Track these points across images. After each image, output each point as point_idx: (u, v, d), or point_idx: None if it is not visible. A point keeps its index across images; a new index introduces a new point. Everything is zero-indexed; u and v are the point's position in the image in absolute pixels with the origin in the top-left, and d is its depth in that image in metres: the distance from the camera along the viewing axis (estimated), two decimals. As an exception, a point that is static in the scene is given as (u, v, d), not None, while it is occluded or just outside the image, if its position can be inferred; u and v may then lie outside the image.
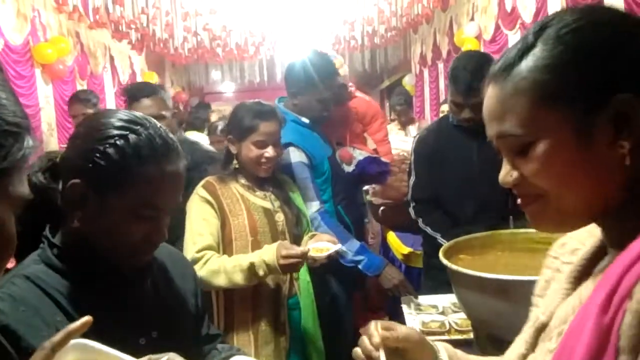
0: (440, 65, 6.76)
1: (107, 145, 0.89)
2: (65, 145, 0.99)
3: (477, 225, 1.84)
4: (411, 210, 2.29)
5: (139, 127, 0.92)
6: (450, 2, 6.26)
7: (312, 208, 2.08)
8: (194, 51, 6.76)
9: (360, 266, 2.06)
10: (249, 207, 1.85)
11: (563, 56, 0.58)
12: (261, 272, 1.70)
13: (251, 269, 1.70)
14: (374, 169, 2.61)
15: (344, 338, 2.15)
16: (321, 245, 1.76)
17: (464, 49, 6.04)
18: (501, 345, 1.21)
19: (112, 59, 6.63)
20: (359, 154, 2.62)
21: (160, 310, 1.01)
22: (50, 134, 5.11)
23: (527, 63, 0.60)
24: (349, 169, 2.58)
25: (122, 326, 0.88)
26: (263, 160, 1.84)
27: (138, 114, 0.96)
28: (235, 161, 1.92)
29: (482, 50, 5.79)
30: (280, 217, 1.89)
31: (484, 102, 0.66)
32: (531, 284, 1.11)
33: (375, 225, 4.31)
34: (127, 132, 0.90)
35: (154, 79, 7.34)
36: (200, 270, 1.68)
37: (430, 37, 7.12)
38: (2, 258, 0.52)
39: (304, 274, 1.93)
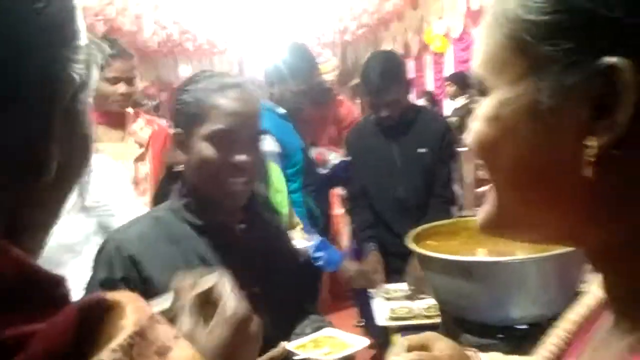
0: (411, 63, 6.84)
1: (184, 93, 1.08)
2: None
3: (398, 224, 1.97)
4: None
5: (207, 74, 1.10)
6: (420, 0, 6.36)
7: (277, 197, 2.08)
8: (163, 45, 6.68)
9: (319, 263, 2.02)
10: None
11: None
12: None
13: None
14: (346, 174, 2.63)
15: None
16: None
17: (432, 47, 6.14)
18: (464, 326, 1.27)
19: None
20: (334, 157, 2.65)
21: (262, 268, 1.10)
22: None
23: None
24: (323, 170, 2.60)
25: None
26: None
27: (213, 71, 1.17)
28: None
29: (451, 48, 5.91)
30: None
31: None
32: (492, 265, 1.18)
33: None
34: (198, 79, 1.09)
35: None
36: None
37: (401, 35, 7.21)
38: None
39: None
